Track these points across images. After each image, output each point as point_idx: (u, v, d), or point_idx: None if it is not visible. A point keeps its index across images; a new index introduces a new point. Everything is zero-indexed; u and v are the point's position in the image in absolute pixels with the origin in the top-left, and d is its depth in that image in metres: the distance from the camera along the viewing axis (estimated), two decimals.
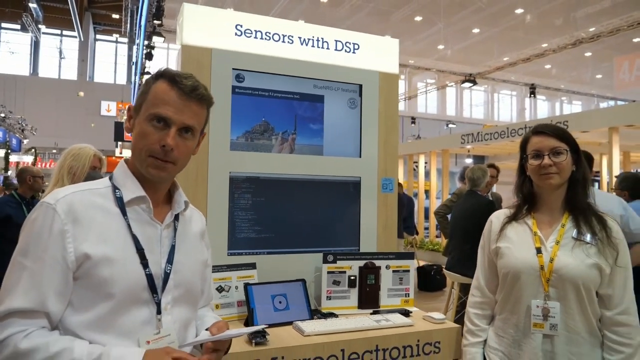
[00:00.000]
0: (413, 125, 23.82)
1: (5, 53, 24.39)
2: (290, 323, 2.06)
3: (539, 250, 1.63)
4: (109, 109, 24.33)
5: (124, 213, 1.16)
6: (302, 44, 2.47)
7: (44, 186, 4.12)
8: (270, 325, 1.97)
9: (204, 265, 1.37)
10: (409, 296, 2.45)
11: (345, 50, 2.57)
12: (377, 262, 2.40)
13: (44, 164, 22.50)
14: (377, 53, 2.64)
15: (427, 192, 13.17)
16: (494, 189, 6.09)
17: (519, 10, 14.20)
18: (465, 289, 4.12)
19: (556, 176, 1.63)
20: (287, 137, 2.43)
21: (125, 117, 1.27)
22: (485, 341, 1.77)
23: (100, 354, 1.03)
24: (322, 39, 2.52)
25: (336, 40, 2.55)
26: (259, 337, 1.82)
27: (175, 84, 1.18)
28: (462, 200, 4.59)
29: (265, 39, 2.39)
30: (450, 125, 23.48)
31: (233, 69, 2.32)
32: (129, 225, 1.15)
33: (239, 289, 2.18)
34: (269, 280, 2.20)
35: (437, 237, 12.07)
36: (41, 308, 1.05)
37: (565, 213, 1.67)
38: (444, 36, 16.21)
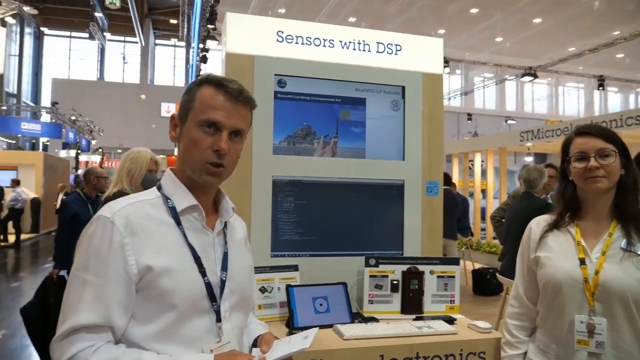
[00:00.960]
0: (469, 121, 23.12)
1: (75, 60, 25.93)
2: (330, 326, 2.06)
3: (582, 262, 1.52)
4: (169, 110, 25.35)
5: (178, 223, 1.16)
6: (343, 48, 2.47)
7: (107, 186, 4.36)
8: (311, 327, 1.98)
9: (251, 271, 1.39)
10: (454, 303, 2.39)
11: (387, 52, 2.54)
12: (421, 267, 2.35)
13: (109, 163, 23.79)
14: (420, 53, 2.59)
15: (483, 191, 12.76)
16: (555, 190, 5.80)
17: None
18: None
19: (604, 180, 1.51)
20: (329, 141, 2.44)
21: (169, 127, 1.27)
22: (525, 354, 1.68)
23: None
24: (364, 41, 2.50)
25: (378, 42, 2.53)
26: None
27: (221, 87, 1.18)
28: (517, 202, 4.42)
29: (306, 44, 2.41)
30: (510, 121, 22.57)
31: (275, 74, 2.36)
32: (184, 235, 1.15)
33: (281, 290, 2.21)
34: (310, 283, 2.22)
35: (494, 239, 11.67)
36: (107, 322, 1.04)
37: (613, 221, 1.55)
38: (502, 28, 15.59)
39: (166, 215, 1.16)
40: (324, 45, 2.44)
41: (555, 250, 1.60)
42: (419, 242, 2.55)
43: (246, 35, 2.33)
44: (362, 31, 2.52)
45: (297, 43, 2.40)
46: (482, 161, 12.93)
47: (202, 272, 1.14)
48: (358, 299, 2.36)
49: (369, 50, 2.51)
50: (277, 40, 2.37)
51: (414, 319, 2.24)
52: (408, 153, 2.54)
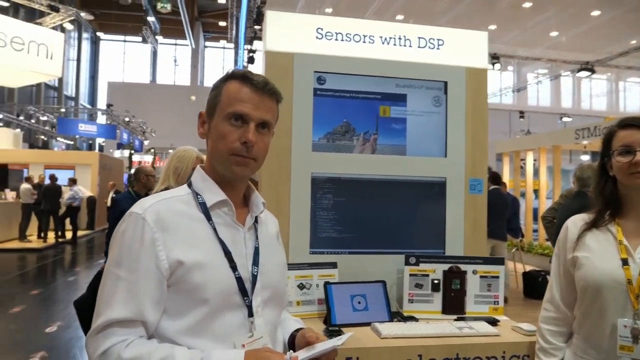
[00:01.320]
0: (522, 119, 22.30)
1: (129, 63, 27.01)
2: (368, 324, 2.05)
3: (625, 262, 1.43)
4: None
5: (208, 218, 1.17)
6: (383, 43, 2.44)
7: (155, 184, 4.49)
8: (348, 325, 1.97)
9: (285, 267, 1.39)
10: (498, 304, 2.32)
11: (429, 47, 2.49)
12: (463, 267, 2.30)
13: (161, 163, 24.61)
14: (463, 48, 2.53)
15: (535, 191, 12.31)
16: None
17: None
18: None
19: None
20: (369, 138, 2.42)
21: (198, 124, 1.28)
22: None
23: (202, 359, 1.04)
24: (404, 36, 2.47)
25: (419, 37, 2.48)
26: (334, 337, 1.83)
27: (247, 80, 1.18)
28: (569, 202, 4.24)
29: (346, 40, 2.40)
30: (565, 119, 21.60)
31: (314, 71, 2.36)
32: (215, 230, 1.16)
33: (319, 287, 2.21)
34: (349, 280, 2.21)
35: (546, 240, 11.24)
36: (140, 317, 1.06)
37: None
38: (557, 22, 14.94)
39: (196, 211, 1.17)
40: (364, 42, 2.42)
41: (595, 250, 1.51)
42: (461, 241, 2.49)
43: (286, 33, 2.34)
44: (403, 26, 2.49)
45: (336, 40, 2.39)
46: (535, 160, 12.47)
47: (233, 266, 1.14)
48: (398, 298, 2.33)
49: (410, 46, 2.47)
50: (317, 38, 2.37)
51: (455, 319, 2.18)
52: (450, 150, 2.48)
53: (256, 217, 1.28)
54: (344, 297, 2.12)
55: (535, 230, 12.09)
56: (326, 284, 2.14)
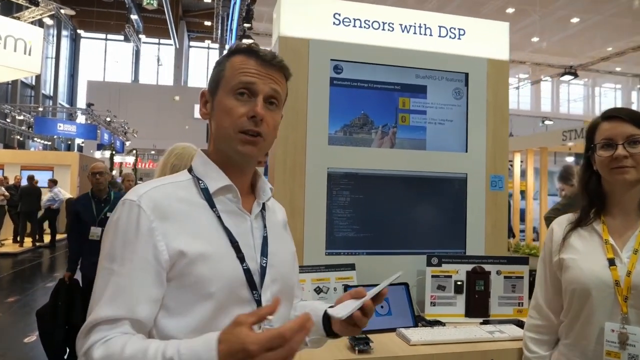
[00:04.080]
0: None
1: (111, 63, 26.52)
2: (393, 330, 1.92)
3: (612, 262, 1.33)
4: None
5: (211, 205, 1.06)
6: (403, 32, 2.31)
7: (103, 183, 4.20)
8: (372, 332, 1.84)
9: (294, 257, 1.27)
10: (522, 305, 2.22)
11: (450, 37, 2.37)
12: (487, 267, 2.19)
13: (143, 165, 24.19)
14: (485, 38, 2.42)
15: (522, 192, 12.39)
16: None
17: None
18: None
19: (632, 170, 1.33)
20: (388, 131, 2.29)
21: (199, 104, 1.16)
22: None
23: (178, 350, 0.88)
24: (425, 25, 2.34)
25: (440, 26, 2.36)
26: (362, 345, 1.69)
27: (253, 53, 1.08)
28: (572, 202, 4.17)
29: (365, 27, 2.27)
30: (547, 122, 22.00)
31: (331, 59, 2.22)
32: (219, 218, 1.05)
33: (337, 290, 2.08)
34: (367, 283, 2.07)
35: (534, 240, 11.31)
36: (131, 315, 0.94)
37: None
38: (539, 27, 15.19)
39: (198, 198, 1.06)
40: (383, 29, 2.29)
41: (581, 251, 1.41)
42: (482, 240, 2.38)
43: (301, 18, 2.19)
44: (424, 14, 2.36)
45: (354, 26, 2.25)
46: (522, 161, 12.56)
47: (241, 257, 1.03)
48: (418, 301, 2.20)
49: (431, 35, 2.35)
50: (334, 24, 2.23)
51: (481, 323, 2.07)
52: (471, 145, 2.37)
53: (264, 205, 1.15)
54: None
55: (522, 231, 12.16)
56: (346, 287, 2.00)
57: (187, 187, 1.07)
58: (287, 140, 2.16)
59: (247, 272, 1.03)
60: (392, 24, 2.30)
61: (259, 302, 1.05)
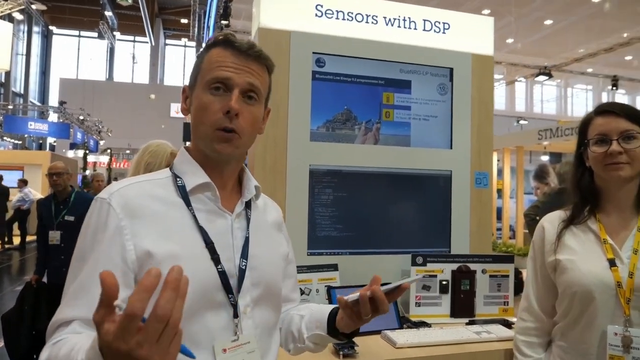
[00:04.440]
0: None
1: (84, 60, 25.93)
2: (378, 332, 1.85)
3: (612, 263, 1.29)
4: (178, 110, 25.24)
5: (187, 203, 1.01)
6: (387, 25, 2.25)
7: (61, 184, 3.98)
8: (357, 334, 1.77)
9: (285, 261, 1.19)
10: (508, 305, 2.18)
11: (435, 31, 2.33)
12: (472, 266, 2.14)
13: (118, 164, 23.71)
14: (469, 33, 2.38)
15: (499, 191, 12.53)
16: None
17: None
18: None
19: (626, 167, 1.29)
20: (371, 127, 2.22)
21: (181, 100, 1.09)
22: None
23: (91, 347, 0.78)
24: (409, 18, 2.29)
25: (424, 20, 2.31)
26: (346, 349, 1.63)
27: (229, 44, 1.03)
28: (551, 199, 4.20)
29: (348, 19, 2.20)
30: (522, 122, 22.38)
31: (313, 52, 2.15)
32: (194, 217, 1.00)
33: (319, 292, 2.01)
34: (351, 284, 2.01)
35: (510, 238, 11.44)
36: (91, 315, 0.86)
37: None
38: (514, 29, 15.42)
39: (174, 196, 1.01)
40: (367, 22, 2.22)
41: (578, 251, 1.36)
42: (467, 238, 2.34)
43: (282, 9, 2.12)
44: (408, 7, 2.31)
45: (337, 19, 2.18)
46: (498, 160, 12.70)
47: (215, 259, 0.98)
48: (403, 301, 2.14)
49: (415, 28, 2.29)
50: (316, 15, 2.16)
51: (467, 323, 2.03)
52: (456, 141, 2.33)
53: (250, 204, 1.08)
54: None
55: (499, 229, 12.30)
56: (329, 288, 1.93)
57: (165, 184, 1.03)
58: (267, 136, 2.08)
59: (223, 274, 0.98)
60: (376, 16, 2.24)
61: (234, 307, 0.98)
